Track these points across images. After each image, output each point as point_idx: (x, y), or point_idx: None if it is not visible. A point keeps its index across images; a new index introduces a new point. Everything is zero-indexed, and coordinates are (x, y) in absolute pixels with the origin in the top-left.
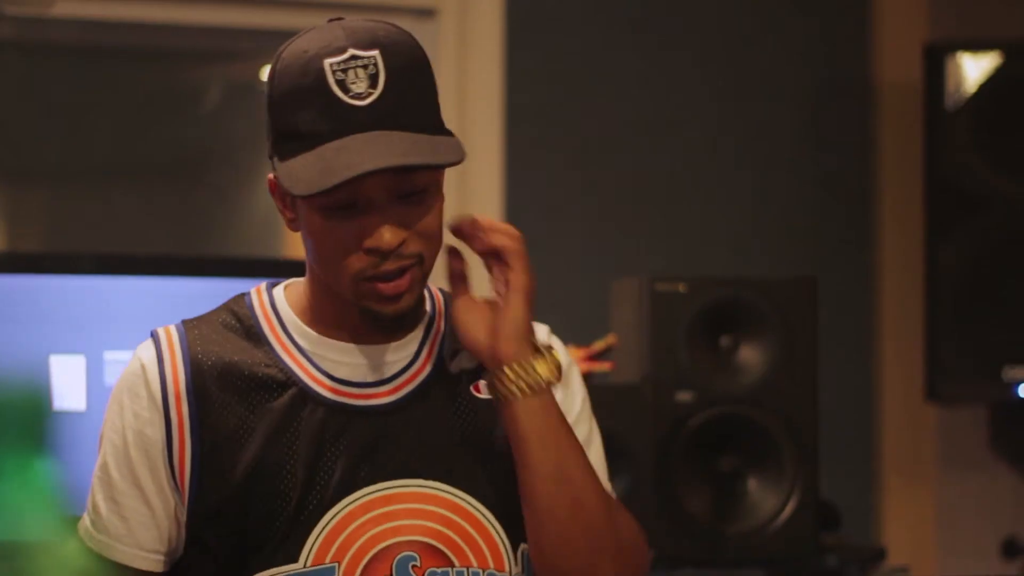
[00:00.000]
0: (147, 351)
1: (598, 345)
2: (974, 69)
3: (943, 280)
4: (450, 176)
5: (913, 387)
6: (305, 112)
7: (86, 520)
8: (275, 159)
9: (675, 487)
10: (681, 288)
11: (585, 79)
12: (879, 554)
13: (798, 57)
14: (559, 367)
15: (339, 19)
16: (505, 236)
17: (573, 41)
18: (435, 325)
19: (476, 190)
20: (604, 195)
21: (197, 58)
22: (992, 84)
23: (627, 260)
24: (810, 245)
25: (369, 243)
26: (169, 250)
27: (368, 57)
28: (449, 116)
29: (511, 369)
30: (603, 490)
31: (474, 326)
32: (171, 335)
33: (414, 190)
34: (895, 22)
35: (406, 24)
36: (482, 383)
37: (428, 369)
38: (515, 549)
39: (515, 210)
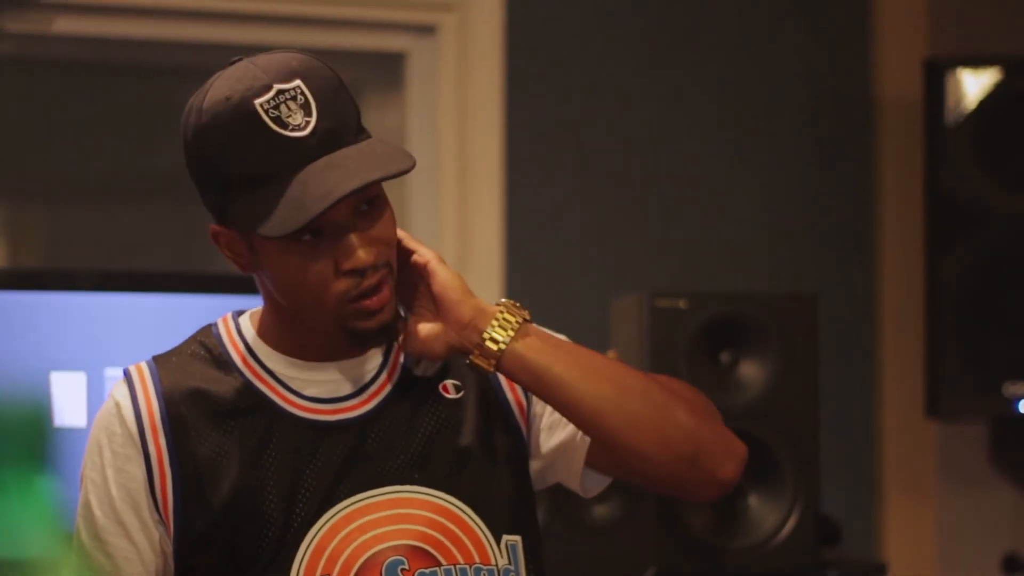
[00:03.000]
0: (120, 389)
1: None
2: (974, 85)
3: (944, 295)
4: (451, 193)
5: (914, 402)
6: (250, 156)
7: (72, 557)
8: (225, 208)
9: (676, 503)
10: (682, 304)
11: (585, 94)
12: (880, 569)
13: (799, 72)
14: (516, 304)
15: (239, 59)
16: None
17: (573, 57)
18: (397, 333)
19: (476, 207)
20: (604, 211)
21: (197, 75)
22: (992, 100)
23: (628, 276)
24: (811, 260)
25: (348, 265)
26: (169, 267)
27: (293, 88)
28: (449, 132)
29: (484, 334)
30: (627, 366)
31: (429, 329)
32: (143, 371)
33: (369, 202)
34: (895, 38)
35: (407, 41)
36: (449, 383)
37: (395, 377)
38: (498, 541)
39: (515, 226)
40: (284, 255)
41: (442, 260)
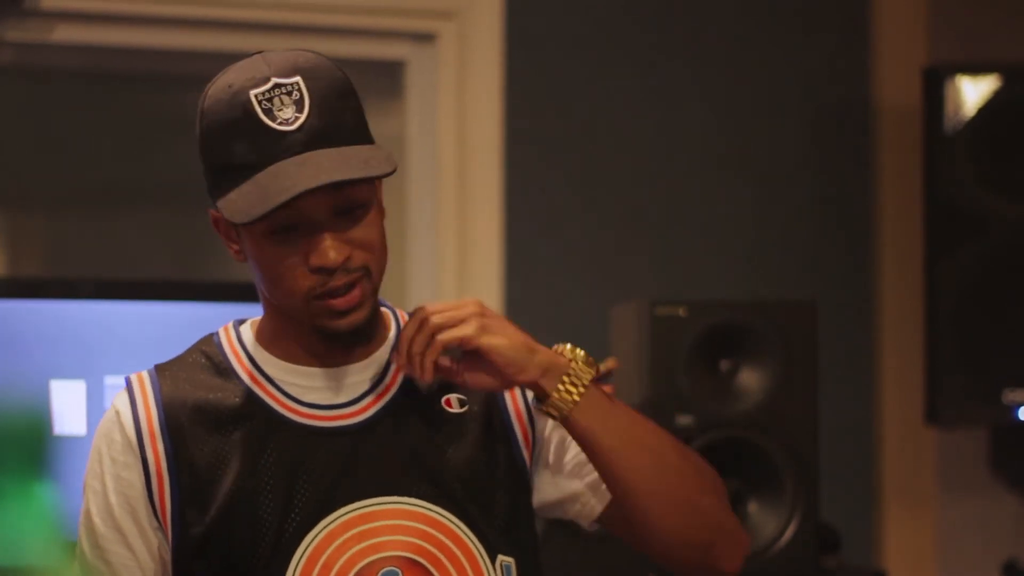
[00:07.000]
0: (121, 398)
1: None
2: (973, 92)
3: (943, 303)
4: (450, 201)
5: (913, 410)
6: (237, 144)
7: (75, 565)
8: (214, 193)
9: None
10: (681, 312)
11: (584, 102)
12: None
13: (799, 80)
14: (586, 356)
15: (260, 53)
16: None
17: (572, 64)
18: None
19: (475, 214)
20: (604, 219)
21: (198, 83)
22: (991, 107)
23: (627, 284)
24: (810, 268)
25: (315, 261)
26: (170, 275)
27: (291, 83)
28: (449, 140)
29: (555, 391)
30: (670, 435)
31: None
32: (143, 380)
33: (353, 205)
34: (895, 46)
35: (406, 49)
36: (452, 397)
37: (396, 386)
38: (493, 561)
39: (515, 234)
40: (260, 246)
41: (481, 314)
